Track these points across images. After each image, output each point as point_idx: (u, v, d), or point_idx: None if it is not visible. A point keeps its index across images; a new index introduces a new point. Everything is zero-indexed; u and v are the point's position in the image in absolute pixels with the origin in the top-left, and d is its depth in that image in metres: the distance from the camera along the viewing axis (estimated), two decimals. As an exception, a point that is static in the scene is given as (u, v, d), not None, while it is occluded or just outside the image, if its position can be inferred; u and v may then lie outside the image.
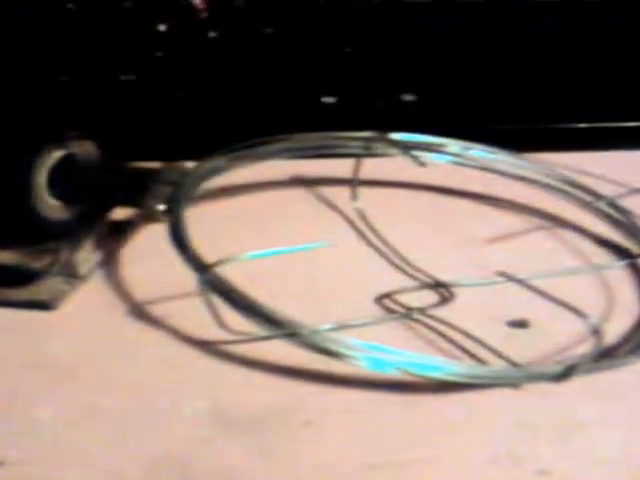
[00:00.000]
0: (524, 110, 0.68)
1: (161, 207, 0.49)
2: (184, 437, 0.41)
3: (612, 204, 0.56)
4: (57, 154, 0.51)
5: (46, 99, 0.58)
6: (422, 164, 0.56)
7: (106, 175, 0.52)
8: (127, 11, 0.67)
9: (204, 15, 0.64)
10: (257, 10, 0.68)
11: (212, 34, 0.67)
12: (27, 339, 0.47)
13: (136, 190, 0.51)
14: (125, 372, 0.45)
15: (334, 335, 0.43)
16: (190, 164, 0.54)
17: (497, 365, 0.45)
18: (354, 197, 0.58)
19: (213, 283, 0.44)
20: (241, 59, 0.68)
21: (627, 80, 0.70)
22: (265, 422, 0.42)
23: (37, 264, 0.50)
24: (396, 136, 0.58)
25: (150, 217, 0.50)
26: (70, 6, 0.66)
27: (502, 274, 0.50)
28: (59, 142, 0.51)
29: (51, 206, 0.51)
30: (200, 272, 0.45)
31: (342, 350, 0.42)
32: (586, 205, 0.56)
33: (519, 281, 0.50)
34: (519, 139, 0.65)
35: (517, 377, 0.44)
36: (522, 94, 0.69)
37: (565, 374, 0.43)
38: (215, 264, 0.45)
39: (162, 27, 0.65)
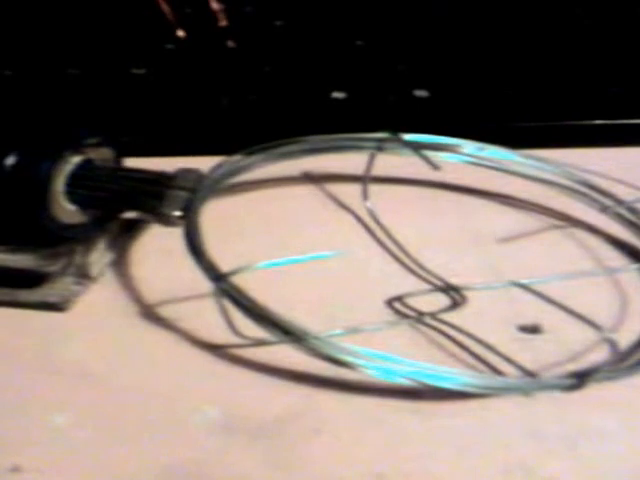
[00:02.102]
0: (539, 107, 0.67)
1: (177, 213, 0.49)
2: (196, 444, 0.41)
3: (630, 208, 0.55)
4: (75, 160, 0.51)
5: (63, 104, 0.58)
6: (436, 167, 0.56)
7: (122, 181, 0.52)
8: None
9: (223, 23, 0.64)
10: (267, 3, 0.67)
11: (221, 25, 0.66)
12: (39, 341, 0.47)
13: (152, 196, 0.50)
14: (137, 376, 0.45)
15: (344, 342, 0.42)
16: (198, 160, 0.54)
17: (509, 375, 0.45)
18: (365, 195, 0.57)
19: (227, 291, 0.44)
20: (250, 52, 0.68)
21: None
22: (276, 429, 0.42)
23: (51, 267, 0.50)
24: (409, 137, 0.57)
25: (166, 222, 0.50)
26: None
27: (514, 281, 0.49)
28: (77, 148, 0.51)
29: (67, 211, 0.51)
30: (215, 281, 0.45)
31: (351, 359, 0.42)
32: (604, 209, 0.56)
33: (532, 288, 0.49)
34: (534, 135, 0.65)
35: (530, 387, 0.44)
36: (537, 90, 0.68)
37: (578, 384, 0.42)
38: (230, 273, 0.44)
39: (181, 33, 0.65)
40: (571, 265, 0.53)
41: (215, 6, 0.65)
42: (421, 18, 0.69)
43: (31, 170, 0.49)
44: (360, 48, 0.69)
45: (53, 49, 0.67)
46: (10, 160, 0.49)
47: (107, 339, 0.47)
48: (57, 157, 0.50)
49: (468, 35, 0.69)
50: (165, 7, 0.65)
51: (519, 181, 0.58)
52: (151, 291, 0.50)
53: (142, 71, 0.67)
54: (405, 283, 0.51)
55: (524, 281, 0.49)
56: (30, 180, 0.49)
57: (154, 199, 0.50)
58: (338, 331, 0.44)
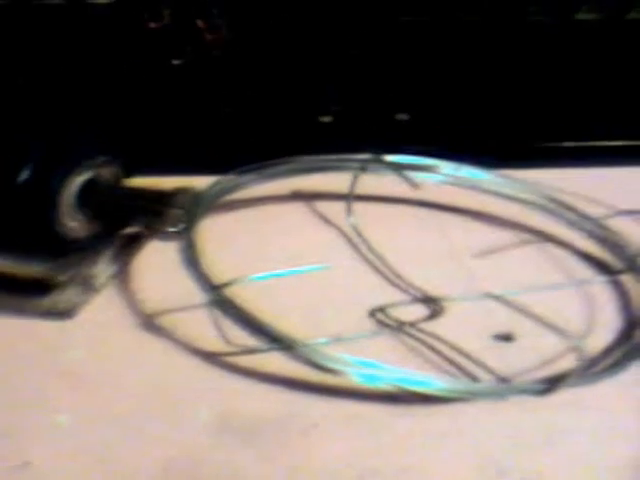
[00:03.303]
0: (514, 128, 0.69)
1: (174, 229, 0.50)
2: (192, 444, 0.42)
3: (598, 224, 0.56)
4: (83, 177, 0.52)
5: (74, 125, 0.58)
6: (415, 185, 0.57)
7: (125, 198, 0.53)
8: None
9: (217, 52, 0.65)
10: (256, 29, 0.68)
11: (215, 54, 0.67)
12: (45, 347, 0.48)
13: (152, 212, 0.52)
14: (136, 380, 0.46)
15: (329, 350, 0.44)
16: (194, 180, 0.55)
17: (484, 379, 0.46)
18: (349, 213, 0.58)
19: (221, 302, 0.45)
20: (240, 76, 0.69)
21: (614, 99, 0.70)
22: (266, 430, 0.43)
23: (59, 277, 0.51)
24: (391, 158, 0.58)
25: (164, 237, 0.51)
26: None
27: (489, 293, 0.51)
28: (85, 166, 0.52)
29: (75, 224, 0.52)
30: (210, 292, 0.46)
31: (337, 366, 0.43)
32: (573, 224, 0.57)
33: (505, 299, 0.50)
34: (508, 156, 0.65)
35: (503, 391, 0.45)
36: (512, 113, 0.69)
37: (549, 388, 0.44)
38: (224, 285, 0.46)
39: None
40: (543, 277, 0.54)
41: (209, 36, 0.65)
42: (402, 48, 0.69)
43: (42, 186, 0.50)
44: (345, 76, 0.69)
45: (66, 72, 0.68)
46: (23, 176, 0.50)
47: (109, 346, 0.48)
48: (66, 174, 0.51)
49: (447, 62, 0.69)
50: (164, 38, 0.66)
51: (493, 199, 0.59)
52: (150, 301, 0.51)
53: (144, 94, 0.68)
54: (386, 294, 0.52)
55: (499, 293, 0.51)
56: (41, 195, 0.50)
57: (154, 216, 0.52)
58: (324, 339, 0.45)
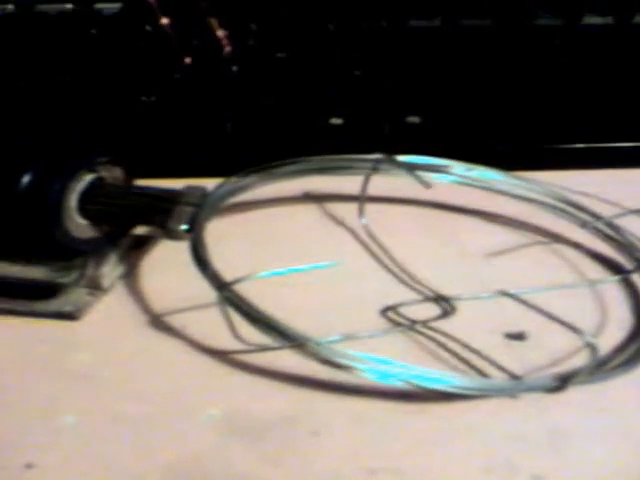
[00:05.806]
0: (525, 130, 0.67)
1: (183, 227, 0.49)
2: (200, 443, 0.41)
3: (609, 223, 0.55)
4: (87, 178, 0.51)
5: (78, 127, 0.57)
6: (427, 185, 0.56)
7: (132, 198, 0.52)
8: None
9: (227, 50, 0.64)
10: (270, 35, 0.67)
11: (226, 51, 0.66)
12: (53, 348, 0.47)
13: (160, 211, 0.50)
14: (145, 380, 0.45)
15: (341, 347, 0.42)
16: (204, 181, 0.53)
17: (495, 377, 0.45)
18: (361, 213, 0.57)
19: (231, 299, 0.44)
20: (254, 81, 0.68)
21: (625, 101, 0.69)
22: (275, 429, 0.41)
23: (65, 279, 0.50)
24: (402, 158, 0.57)
25: (173, 236, 0.49)
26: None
27: (501, 290, 0.49)
28: (90, 167, 0.51)
29: (80, 226, 0.51)
30: (219, 289, 0.44)
31: (348, 362, 0.42)
32: (584, 224, 0.56)
33: (517, 297, 0.49)
34: (519, 158, 0.64)
35: (514, 389, 0.44)
36: (522, 115, 0.68)
37: (561, 386, 0.42)
38: (233, 282, 0.44)
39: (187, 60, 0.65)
40: (555, 277, 0.53)
41: (220, 33, 0.64)
42: (413, 51, 0.69)
43: (45, 188, 0.49)
44: (357, 78, 0.68)
45: (74, 78, 0.67)
46: (26, 178, 0.49)
47: (117, 346, 0.47)
48: (70, 175, 0.50)
49: (457, 66, 0.69)
50: (173, 38, 0.65)
51: (505, 200, 0.58)
52: (159, 301, 0.50)
53: (153, 99, 0.67)
54: (398, 294, 0.51)
55: (510, 292, 0.49)
56: (44, 197, 0.49)
57: (162, 214, 0.50)
58: (336, 337, 0.44)
